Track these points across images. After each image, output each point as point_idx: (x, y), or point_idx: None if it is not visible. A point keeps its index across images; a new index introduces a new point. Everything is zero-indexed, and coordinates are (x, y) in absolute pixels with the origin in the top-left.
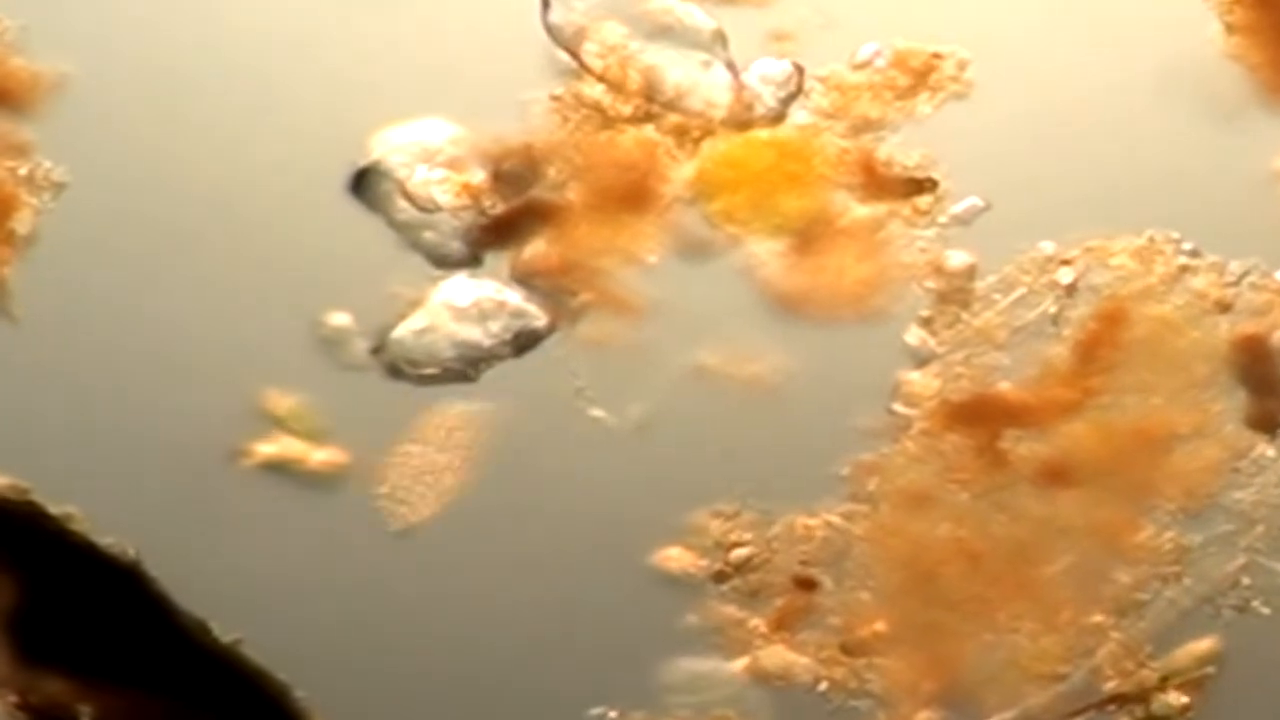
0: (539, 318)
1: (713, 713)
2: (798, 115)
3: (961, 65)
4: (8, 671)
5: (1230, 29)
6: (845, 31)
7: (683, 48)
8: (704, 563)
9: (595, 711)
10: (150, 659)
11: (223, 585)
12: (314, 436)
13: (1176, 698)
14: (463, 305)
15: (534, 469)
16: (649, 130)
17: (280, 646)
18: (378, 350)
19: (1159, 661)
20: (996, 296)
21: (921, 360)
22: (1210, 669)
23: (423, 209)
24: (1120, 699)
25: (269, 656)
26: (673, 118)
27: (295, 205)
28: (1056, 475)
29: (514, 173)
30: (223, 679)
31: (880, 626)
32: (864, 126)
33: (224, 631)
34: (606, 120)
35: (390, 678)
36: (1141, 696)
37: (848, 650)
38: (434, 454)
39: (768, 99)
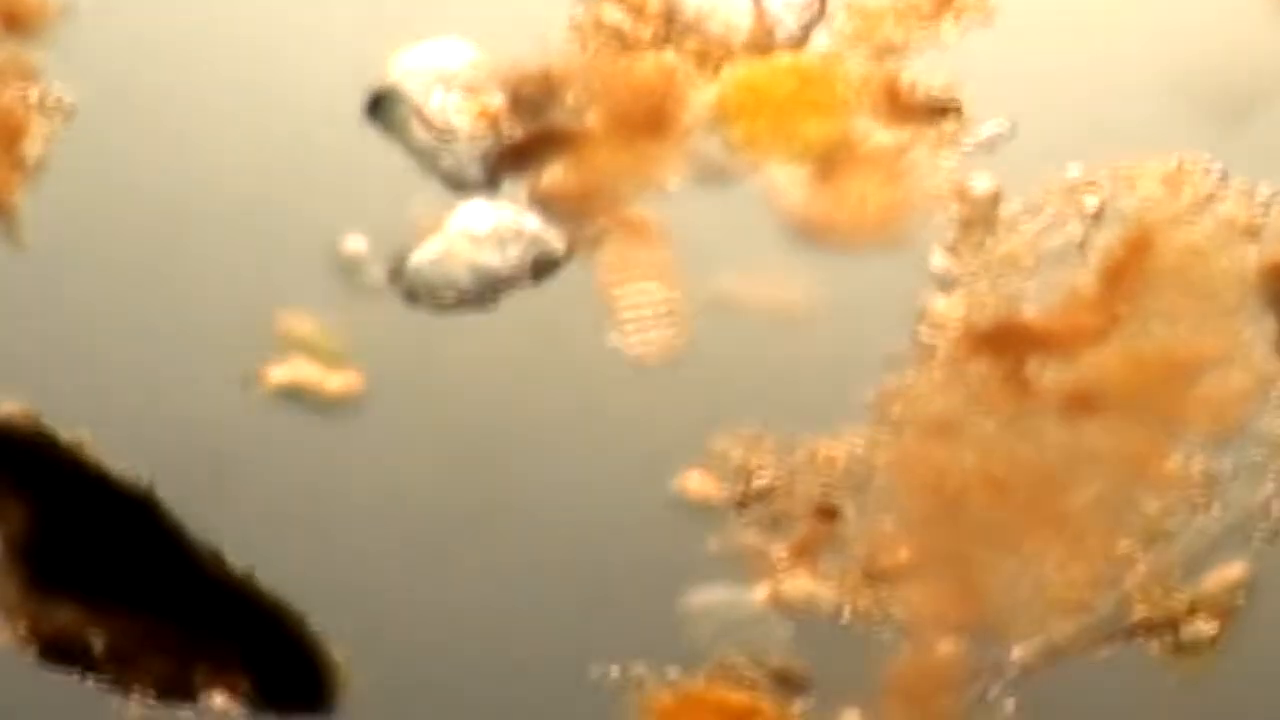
0: (558, 243)
1: (733, 642)
2: (820, 39)
3: None
4: (17, 599)
5: None
6: None
7: None
8: (725, 489)
9: (597, 669)
10: (163, 588)
11: (237, 512)
12: (331, 361)
13: (1206, 625)
14: (480, 231)
15: (554, 395)
16: (669, 55)
17: (295, 575)
18: (395, 276)
19: (1188, 589)
20: (1022, 222)
21: (946, 286)
22: (1240, 597)
23: (440, 134)
24: (1148, 627)
25: (284, 586)
26: (693, 42)
27: (311, 129)
28: (1083, 402)
29: (533, 97)
30: (236, 608)
31: (904, 555)
32: (887, 50)
33: (237, 560)
34: (626, 44)
35: (408, 607)
36: (1170, 624)
37: (871, 579)
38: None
39: (789, 23)
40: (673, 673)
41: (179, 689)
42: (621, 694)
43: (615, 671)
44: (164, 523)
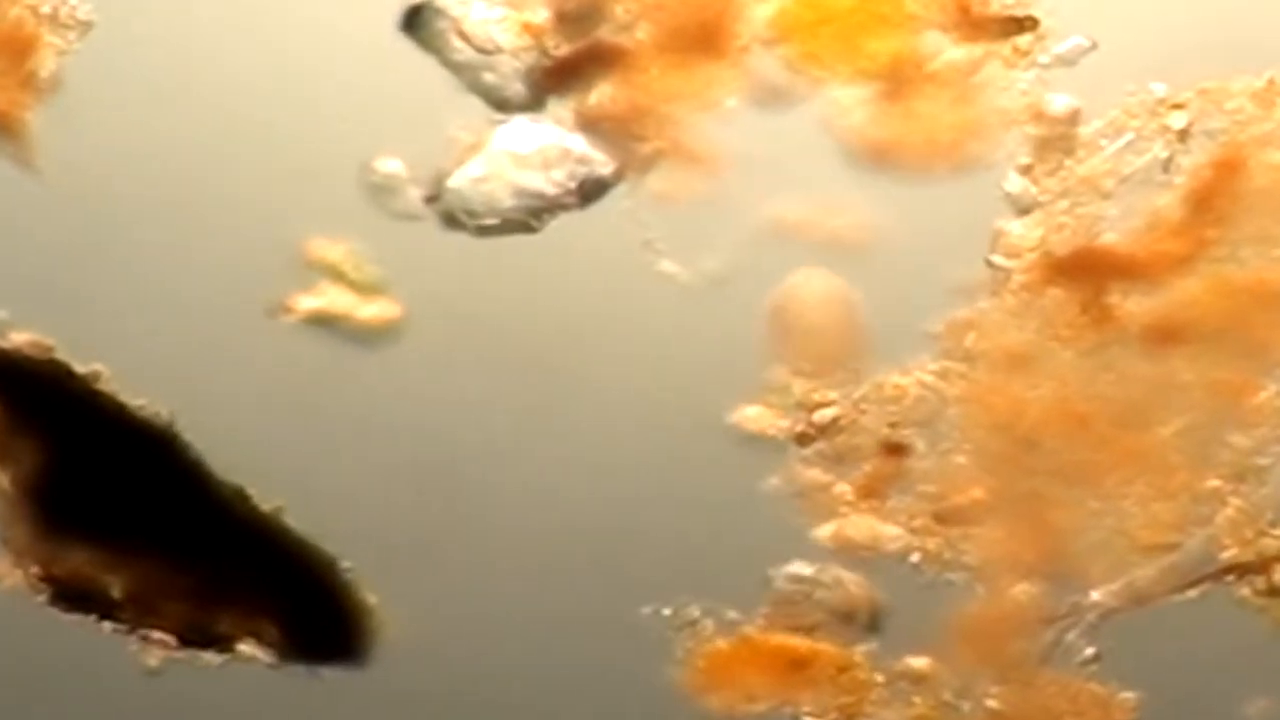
0: (606, 165)
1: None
2: None
3: None
4: (29, 541)
5: None
6: None
7: None
8: (785, 423)
9: (650, 608)
10: (184, 529)
11: (263, 450)
12: (364, 289)
13: None
14: (524, 152)
15: (602, 324)
16: None
17: (325, 516)
18: (433, 198)
19: None
20: (1103, 142)
21: (1022, 209)
22: None
23: (481, 49)
24: (1238, 569)
25: (313, 526)
26: None
27: (344, 44)
28: (1168, 333)
29: (579, 11)
30: (263, 550)
31: (977, 494)
32: None
33: (264, 499)
34: None
35: (446, 547)
36: (1262, 567)
37: (941, 519)
38: None
39: None
40: (730, 614)
41: (202, 636)
42: (674, 636)
43: (667, 612)
44: (185, 460)
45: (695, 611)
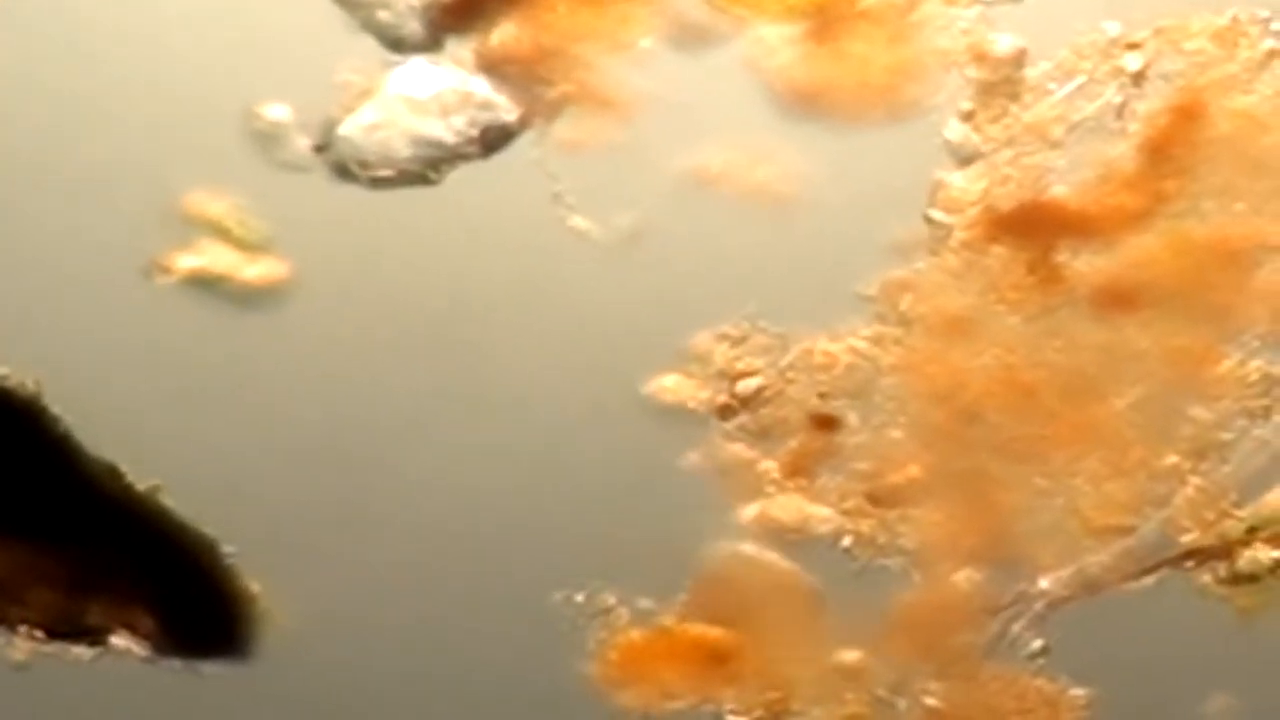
0: (510, 111)
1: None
2: None
3: None
4: None
5: None
6: None
7: None
8: (706, 394)
9: (560, 595)
10: (51, 510)
11: (137, 424)
12: (247, 247)
13: (1266, 552)
14: (421, 96)
15: (507, 286)
16: None
17: (205, 496)
18: (322, 148)
19: (1245, 510)
20: (1051, 86)
21: (963, 160)
22: None
23: None
24: (1199, 554)
25: (192, 508)
26: None
27: None
28: (1122, 295)
29: None
30: (137, 533)
31: (914, 472)
32: None
33: (138, 478)
34: None
35: (339, 529)
36: (1225, 551)
37: (875, 500)
38: None
39: None
40: (646, 603)
41: (72, 627)
42: (586, 626)
43: (580, 598)
44: (52, 435)
45: (609, 599)
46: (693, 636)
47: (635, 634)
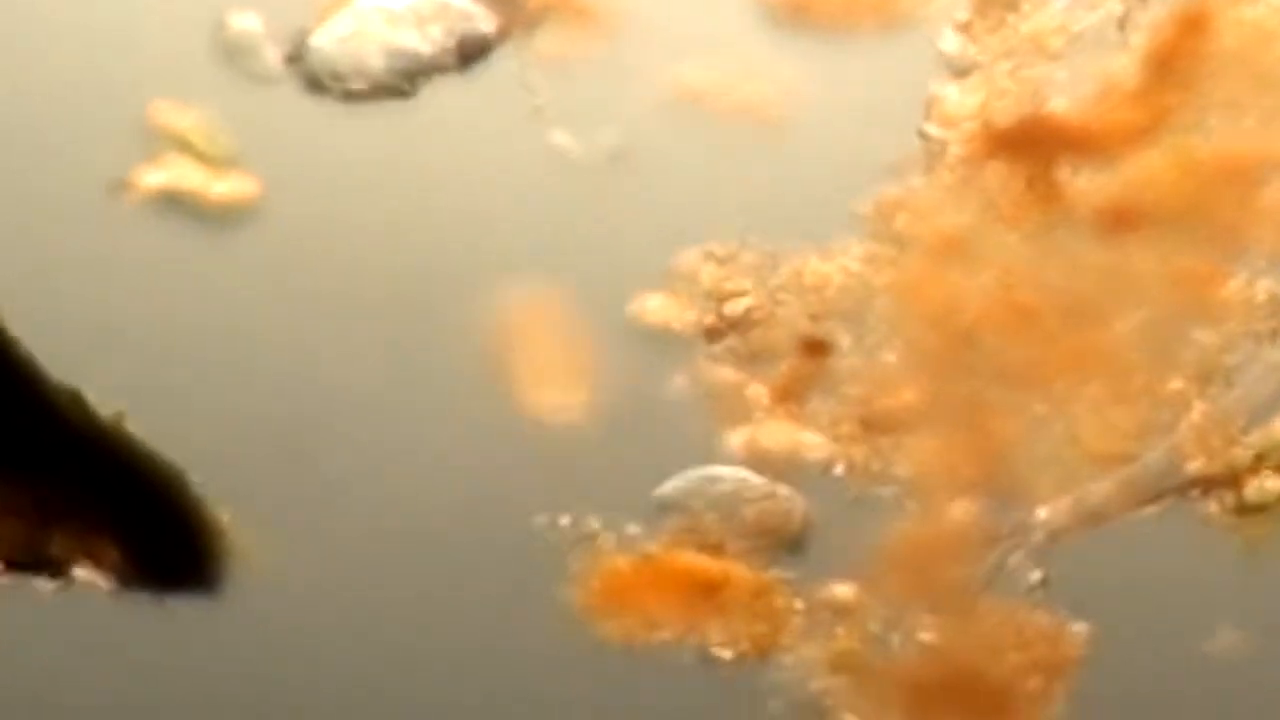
0: (488, 21)
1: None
2: None
3: None
4: None
5: None
6: None
7: None
8: (692, 315)
9: (543, 519)
10: (11, 437)
11: (101, 347)
12: (216, 162)
13: (1274, 481)
14: (396, 6)
15: (484, 202)
16: None
17: (172, 423)
18: (294, 59)
19: (1253, 437)
20: None
21: (959, 72)
22: None
23: None
24: (1205, 483)
25: (158, 435)
26: None
27: None
28: (1124, 214)
29: None
30: (101, 461)
31: (908, 397)
32: None
33: (102, 404)
34: None
35: (309, 459)
36: (1232, 480)
37: (869, 426)
38: None
39: None
40: (631, 530)
41: (33, 559)
42: (569, 551)
43: (564, 522)
44: (11, 359)
45: (594, 525)
46: (680, 566)
47: (620, 561)
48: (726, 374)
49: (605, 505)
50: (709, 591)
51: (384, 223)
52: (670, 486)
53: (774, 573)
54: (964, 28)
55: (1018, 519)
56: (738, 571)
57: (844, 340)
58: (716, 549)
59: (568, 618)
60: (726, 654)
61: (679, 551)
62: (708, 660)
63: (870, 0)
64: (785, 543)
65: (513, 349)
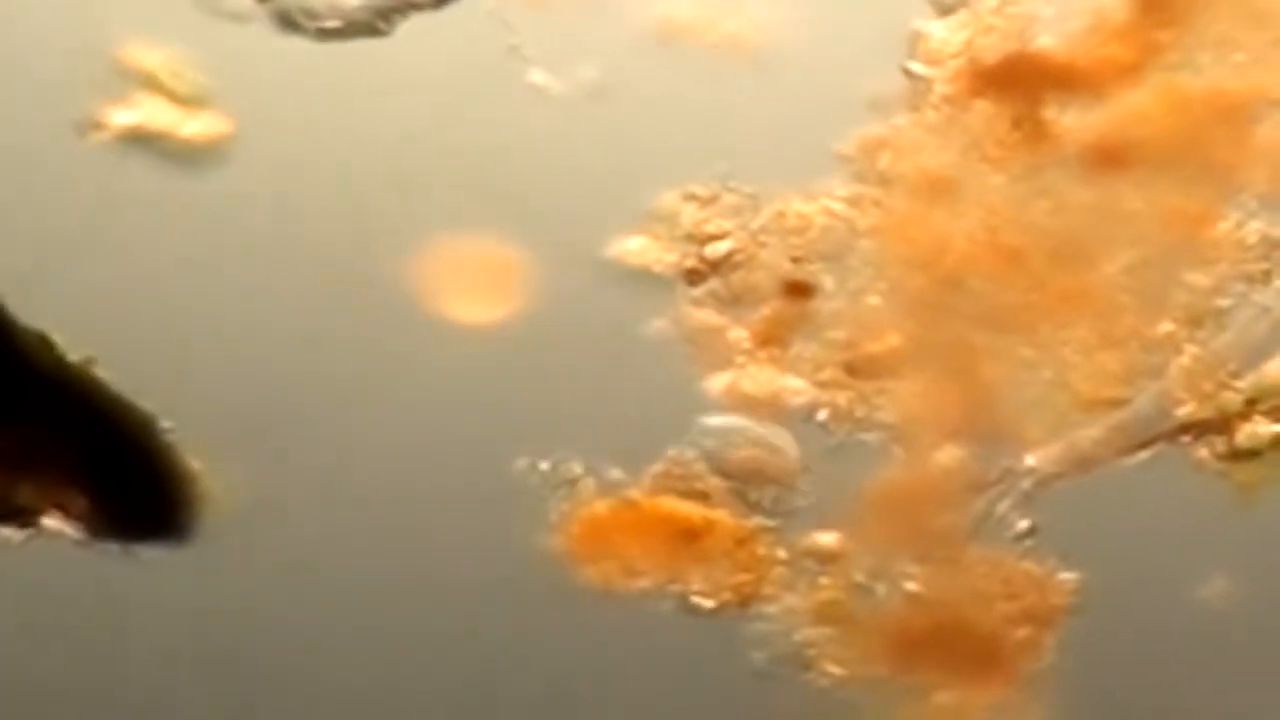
0: None
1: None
2: None
3: None
4: None
5: None
6: None
7: None
8: (673, 258)
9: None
10: None
11: (70, 291)
12: (187, 101)
13: (1266, 426)
14: None
15: (461, 142)
16: None
17: (143, 368)
18: None
19: (1244, 381)
20: None
21: (944, 9)
22: None
23: None
24: (1196, 428)
25: (128, 380)
26: None
27: None
28: (1113, 154)
29: None
30: (70, 407)
31: (893, 341)
32: None
33: (71, 348)
34: None
35: (283, 402)
36: (1222, 425)
37: (853, 370)
38: None
39: None
40: (614, 474)
41: (2, 508)
42: (549, 496)
43: (544, 466)
44: None
45: (576, 469)
46: (662, 511)
47: (601, 506)
48: (707, 317)
49: (586, 450)
50: (691, 538)
51: (358, 163)
52: (654, 431)
53: (757, 520)
54: None
55: (1005, 465)
56: (721, 519)
57: (827, 283)
58: (701, 496)
59: (547, 563)
60: (708, 603)
61: (661, 497)
62: (688, 609)
63: None
64: (770, 490)
65: (490, 289)
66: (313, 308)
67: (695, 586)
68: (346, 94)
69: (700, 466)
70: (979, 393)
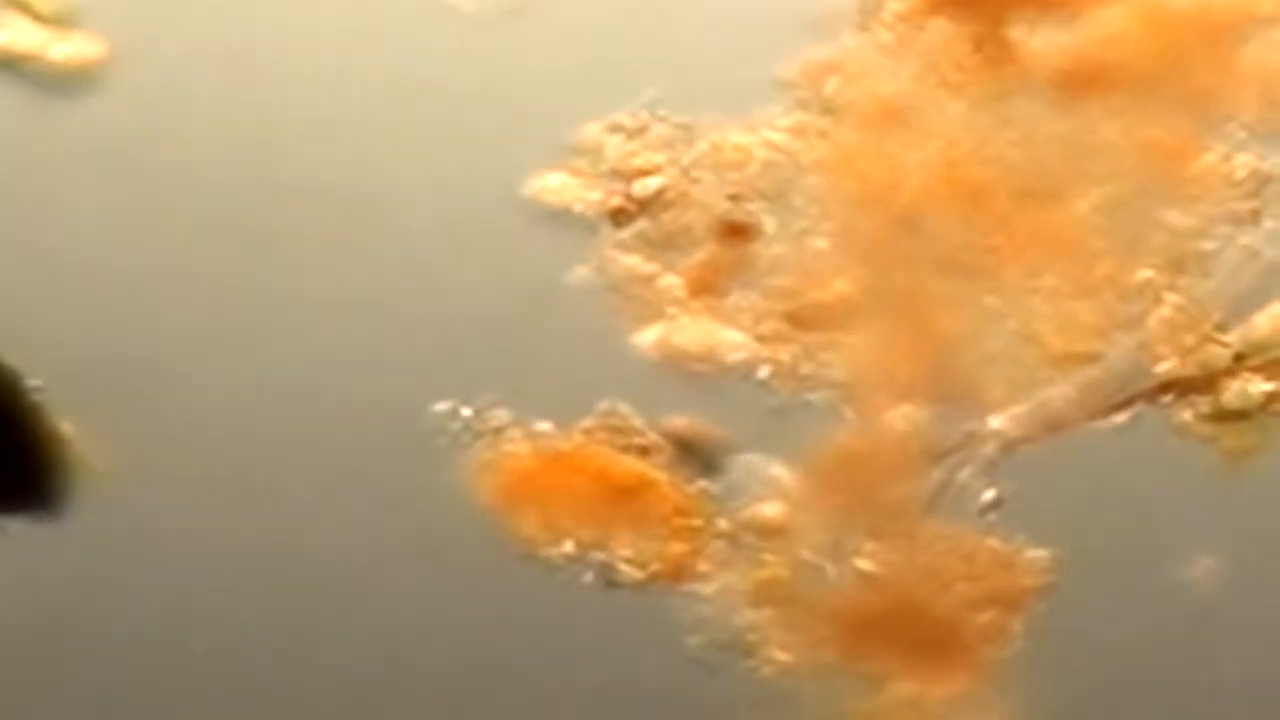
0: None
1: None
2: None
3: None
4: None
5: None
6: None
7: None
8: (597, 196)
9: (444, 406)
10: None
11: None
12: (55, 21)
13: (1256, 384)
14: None
15: (367, 68)
16: None
17: (6, 318)
18: None
19: (1231, 334)
20: None
21: None
22: None
23: None
24: (1178, 386)
25: None
26: None
27: None
28: (1086, 78)
29: None
30: None
31: (842, 289)
32: None
33: None
34: None
35: (169, 352)
36: (1208, 383)
37: (797, 321)
38: None
39: None
40: (542, 425)
41: None
42: (470, 444)
43: (466, 413)
44: None
45: (502, 416)
46: (593, 466)
47: (526, 459)
48: (636, 263)
49: (511, 401)
50: (623, 497)
51: (245, 90)
52: (582, 384)
53: (698, 485)
54: None
55: (967, 429)
56: (659, 480)
57: (768, 224)
58: (641, 452)
59: (465, 518)
60: (636, 574)
61: (592, 451)
62: (613, 579)
63: None
64: (708, 455)
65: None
66: (197, 245)
67: (622, 552)
68: (232, 13)
69: (639, 422)
70: (937, 347)
